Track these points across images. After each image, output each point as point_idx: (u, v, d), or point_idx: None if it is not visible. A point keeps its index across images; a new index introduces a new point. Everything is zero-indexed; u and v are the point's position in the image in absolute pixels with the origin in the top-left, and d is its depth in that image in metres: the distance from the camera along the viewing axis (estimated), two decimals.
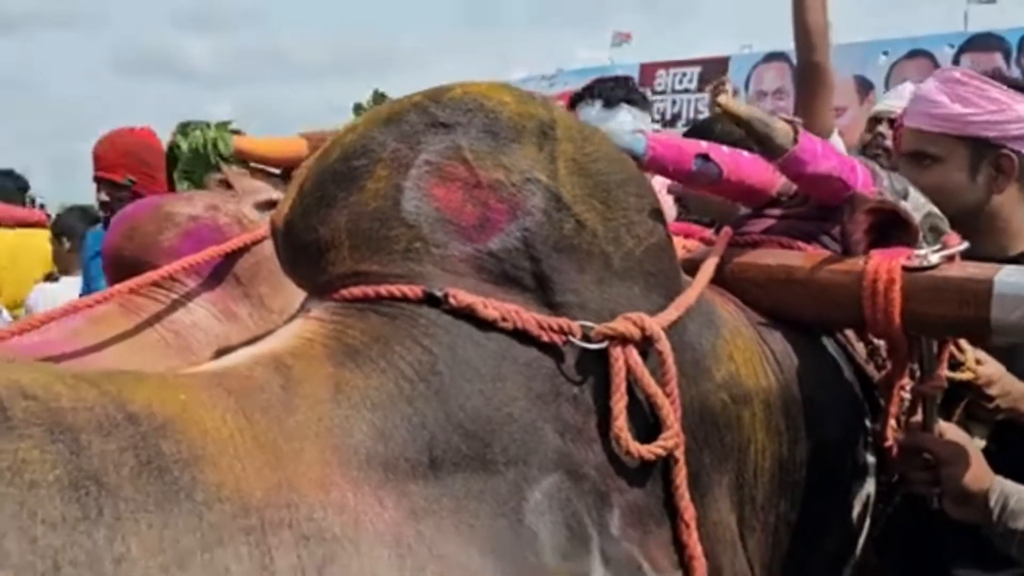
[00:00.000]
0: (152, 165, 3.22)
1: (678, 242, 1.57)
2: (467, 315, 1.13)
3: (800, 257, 1.45)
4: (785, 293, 1.43)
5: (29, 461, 0.81)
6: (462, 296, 1.14)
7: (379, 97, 2.13)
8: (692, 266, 1.46)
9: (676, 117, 9.12)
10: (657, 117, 9.36)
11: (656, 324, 1.19)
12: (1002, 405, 1.69)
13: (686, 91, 9.28)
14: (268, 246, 1.91)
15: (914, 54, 8.47)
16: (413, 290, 1.14)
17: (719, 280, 1.44)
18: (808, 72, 2.78)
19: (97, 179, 3.44)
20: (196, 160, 2.13)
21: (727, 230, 1.55)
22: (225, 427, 0.96)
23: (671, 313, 1.23)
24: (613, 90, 2.73)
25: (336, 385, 1.06)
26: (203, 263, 1.83)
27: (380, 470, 1.02)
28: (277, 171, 2.25)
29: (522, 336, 1.15)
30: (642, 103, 2.80)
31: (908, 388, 1.48)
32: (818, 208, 1.54)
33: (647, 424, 1.18)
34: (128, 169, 3.33)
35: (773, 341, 1.40)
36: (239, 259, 1.89)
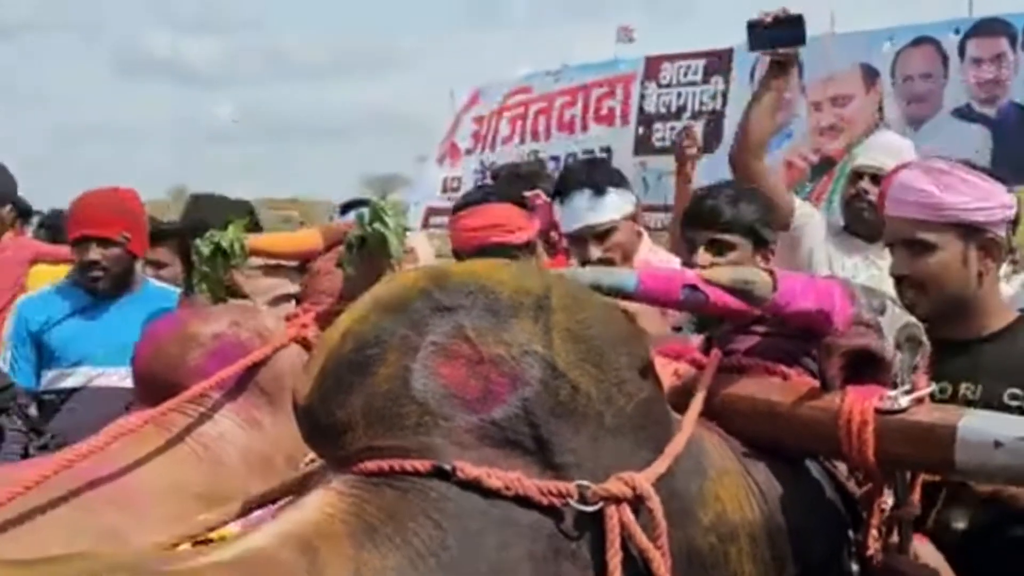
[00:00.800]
0: (140, 225, 3.30)
1: (668, 368, 1.69)
2: (474, 486, 1.25)
3: (782, 389, 1.55)
4: (768, 426, 1.54)
5: None
6: (468, 469, 1.25)
7: (377, 209, 2.24)
8: (682, 394, 1.57)
9: (682, 109, 9.15)
10: (664, 110, 9.40)
11: (646, 482, 1.30)
12: (984, 489, 1.80)
13: (692, 83, 9.28)
14: (287, 355, 2.04)
15: (919, 41, 8.44)
16: (424, 464, 1.26)
17: (707, 409, 1.56)
18: (738, 170, 2.94)
19: (82, 238, 3.17)
20: (214, 262, 2.26)
21: (715, 354, 1.66)
22: None
23: (660, 466, 1.35)
24: (599, 176, 2.93)
25: (356, 569, 1.18)
26: (226, 378, 1.97)
27: None
28: (294, 264, 2.38)
29: (524, 501, 1.27)
30: (623, 183, 2.99)
31: (887, 504, 1.59)
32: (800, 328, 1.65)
33: (639, 574, 1.30)
34: (122, 226, 3.21)
35: (757, 472, 1.51)
36: (261, 370, 2.02)
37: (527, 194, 2.98)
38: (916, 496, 1.55)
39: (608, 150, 8.92)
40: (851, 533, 1.61)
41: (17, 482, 1.71)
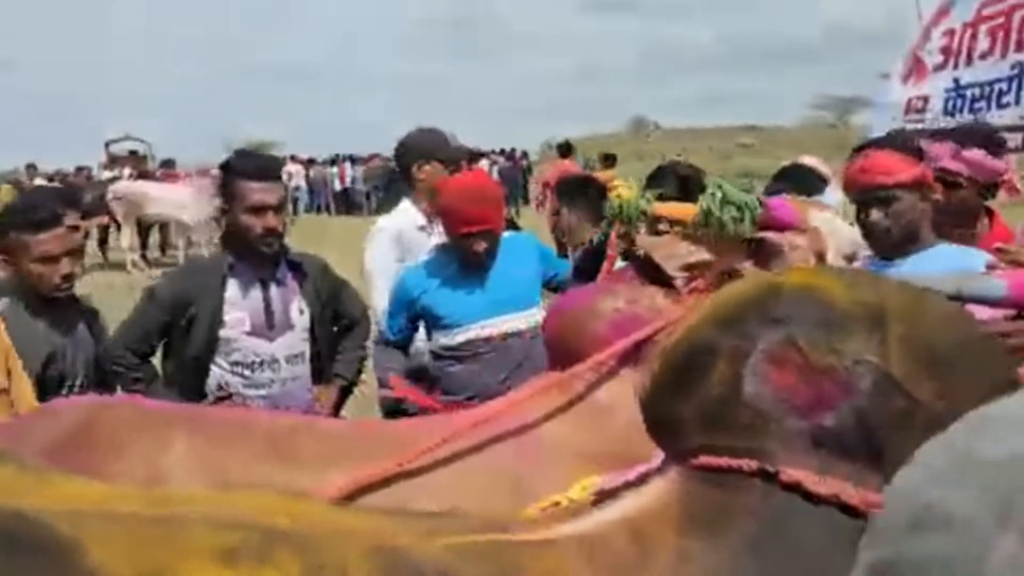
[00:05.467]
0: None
1: None
2: (797, 489, 1.31)
3: None
4: None
5: None
6: (792, 473, 1.31)
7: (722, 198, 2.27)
8: None
9: None
10: None
11: None
12: None
13: None
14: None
15: None
16: (749, 465, 1.34)
17: None
18: None
19: (476, 233, 3.18)
20: (623, 212, 2.46)
21: None
22: None
23: None
24: None
25: (680, 555, 1.31)
26: (621, 349, 2.17)
27: None
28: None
29: (848, 508, 1.30)
30: None
31: None
32: None
33: None
34: (500, 216, 3.29)
35: None
36: (652, 343, 2.18)
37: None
38: None
39: None
40: None
41: (442, 433, 2.06)
